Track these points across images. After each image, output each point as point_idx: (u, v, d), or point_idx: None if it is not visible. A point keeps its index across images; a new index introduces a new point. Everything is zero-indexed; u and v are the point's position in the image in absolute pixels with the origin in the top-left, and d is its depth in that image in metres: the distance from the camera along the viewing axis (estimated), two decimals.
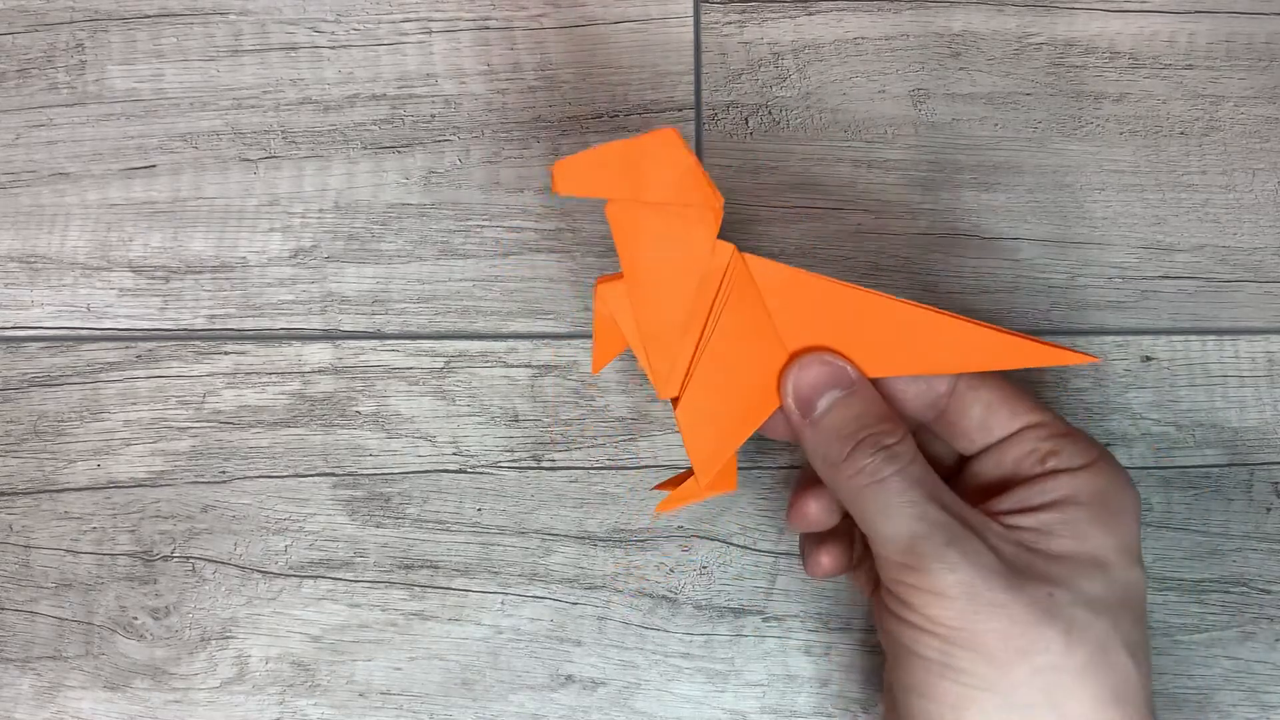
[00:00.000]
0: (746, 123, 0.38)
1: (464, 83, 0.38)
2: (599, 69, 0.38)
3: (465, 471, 0.37)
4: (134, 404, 0.37)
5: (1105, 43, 0.38)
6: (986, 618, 0.26)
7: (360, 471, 0.37)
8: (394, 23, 0.38)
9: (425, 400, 0.37)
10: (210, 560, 0.36)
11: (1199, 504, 0.37)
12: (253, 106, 0.38)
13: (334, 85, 0.38)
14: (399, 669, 0.36)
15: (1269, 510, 0.37)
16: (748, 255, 0.29)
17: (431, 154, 0.38)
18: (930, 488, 0.28)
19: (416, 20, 0.38)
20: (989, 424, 0.30)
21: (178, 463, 0.37)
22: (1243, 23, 0.38)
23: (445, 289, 0.37)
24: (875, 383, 0.30)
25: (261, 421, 0.37)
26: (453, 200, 0.37)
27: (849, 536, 0.32)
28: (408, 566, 0.36)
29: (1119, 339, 0.37)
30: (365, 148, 0.38)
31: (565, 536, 0.36)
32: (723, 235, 0.29)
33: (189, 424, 0.37)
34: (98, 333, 0.37)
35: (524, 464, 0.37)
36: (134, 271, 0.37)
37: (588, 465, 0.37)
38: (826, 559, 0.32)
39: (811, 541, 0.32)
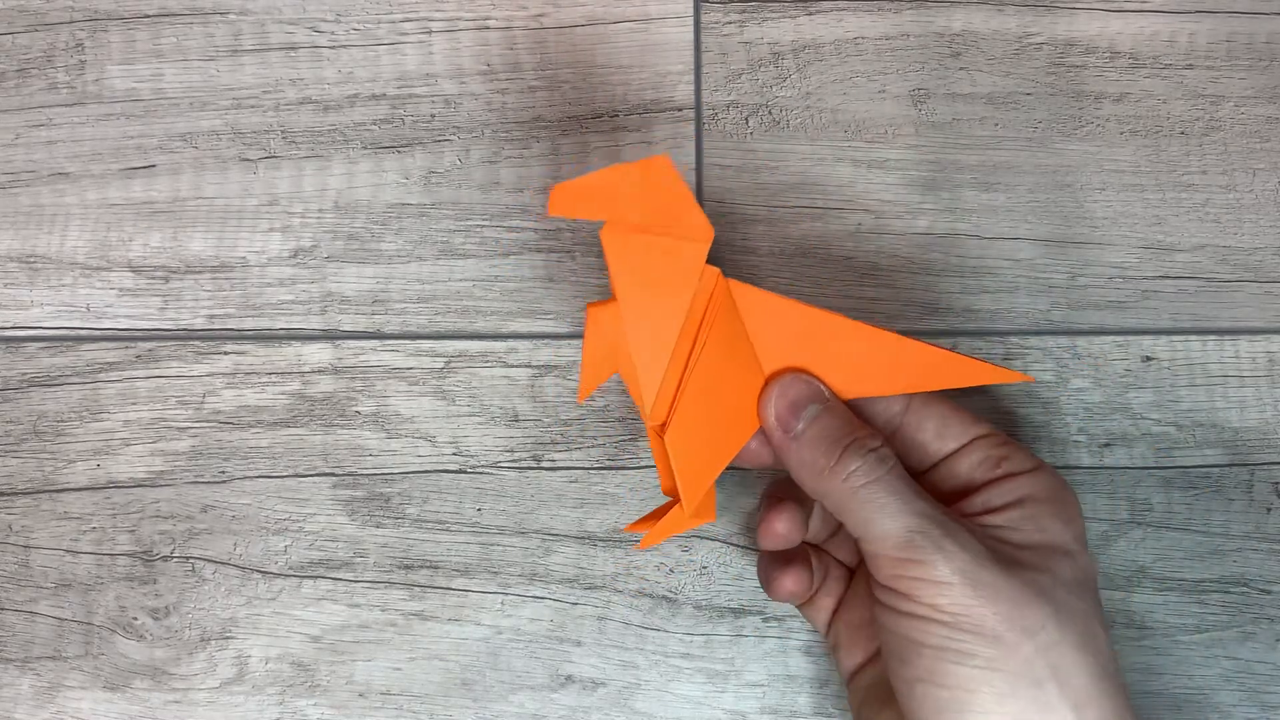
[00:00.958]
0: (746, 123, 0.38)
1: (464, 83, 0.38)
2: (599, 69, 0.38)
3: (465, 472, 0.37)
4: (134, 404, 0.37)
5: (1105, 43, 0.38)
6: (988, 600, 0.27)
7: (360, 471, 0.37)
8: (394, 23, 0.38)
9: (425, 400, 0.37)
10: (210, 560, 0.36)
11: (1199, 504, 0.37)
12: (252, 106, 0.38)
13: (334, 85, 0.38)
14: (399, 669, 0.36)
15: (1269, 510, 0.37)
16: (731, 280, 0.30)
17: (431, 154, 0.38)
18: (916, 488, 0.30)
19: (416, 20, 0.38)
20: (945, 435, 0.32)
21: (177, 463, 0.37)
22: (1243, 23, 0.38)
23: (445, 289, 0.37)
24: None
25: (261, 421, 0.37)
26: (453, 200, 0.37)
27: (808, 562, 0.33)
28: (407, 567, 0.36)
29: (1119, 339, 0.37)
30: (365, 148, 0.38)
31: (565, 536, 0.36)
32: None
33: (189, 424, 0.37)
34: (97, 333, 0.37)
35: (524, 464, 0.37)
36: (133, 271, 0.37)
37: (588, 465, 0.37)
38: (790, 581, 0.33)
39: (775, 565, 0.33)
